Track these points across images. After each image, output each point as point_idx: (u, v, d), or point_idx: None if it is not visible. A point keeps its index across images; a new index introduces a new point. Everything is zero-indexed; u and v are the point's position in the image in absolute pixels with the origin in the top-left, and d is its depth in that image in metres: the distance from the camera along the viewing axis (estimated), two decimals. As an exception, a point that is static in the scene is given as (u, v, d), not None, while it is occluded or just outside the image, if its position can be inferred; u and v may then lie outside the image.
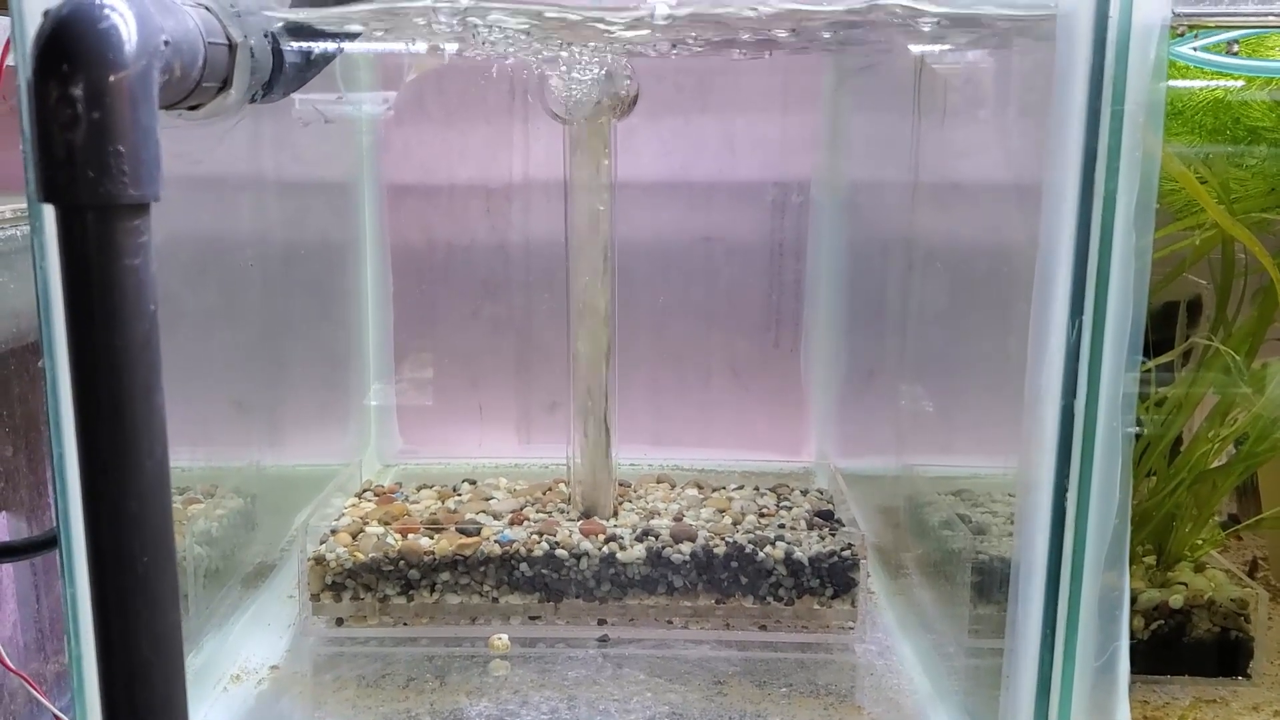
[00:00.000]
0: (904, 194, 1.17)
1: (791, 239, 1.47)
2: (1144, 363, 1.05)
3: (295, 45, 0.78)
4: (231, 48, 0.67)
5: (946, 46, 1.03)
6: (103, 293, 0.52)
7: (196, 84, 0.62)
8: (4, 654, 1.07)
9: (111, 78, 0.51)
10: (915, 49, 1.08)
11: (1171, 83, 1.02)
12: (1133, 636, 1.01)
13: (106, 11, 0.52)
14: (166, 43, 0.55)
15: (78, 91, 0.50)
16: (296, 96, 1.21)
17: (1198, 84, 1.02)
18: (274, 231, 1.20)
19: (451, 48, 1.07)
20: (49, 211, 0.51)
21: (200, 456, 1.08)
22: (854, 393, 1.41)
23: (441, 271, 1.49)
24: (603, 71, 1.08)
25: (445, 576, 1.06)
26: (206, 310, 1.05)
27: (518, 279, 1.48)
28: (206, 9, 0.64)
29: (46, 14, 0.51)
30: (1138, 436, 1.05)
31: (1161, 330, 1.17)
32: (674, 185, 1.47)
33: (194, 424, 1.04)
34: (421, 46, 1.12)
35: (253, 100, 0.73)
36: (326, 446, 1.39)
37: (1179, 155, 1.01)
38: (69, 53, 0.50)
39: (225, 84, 0.67)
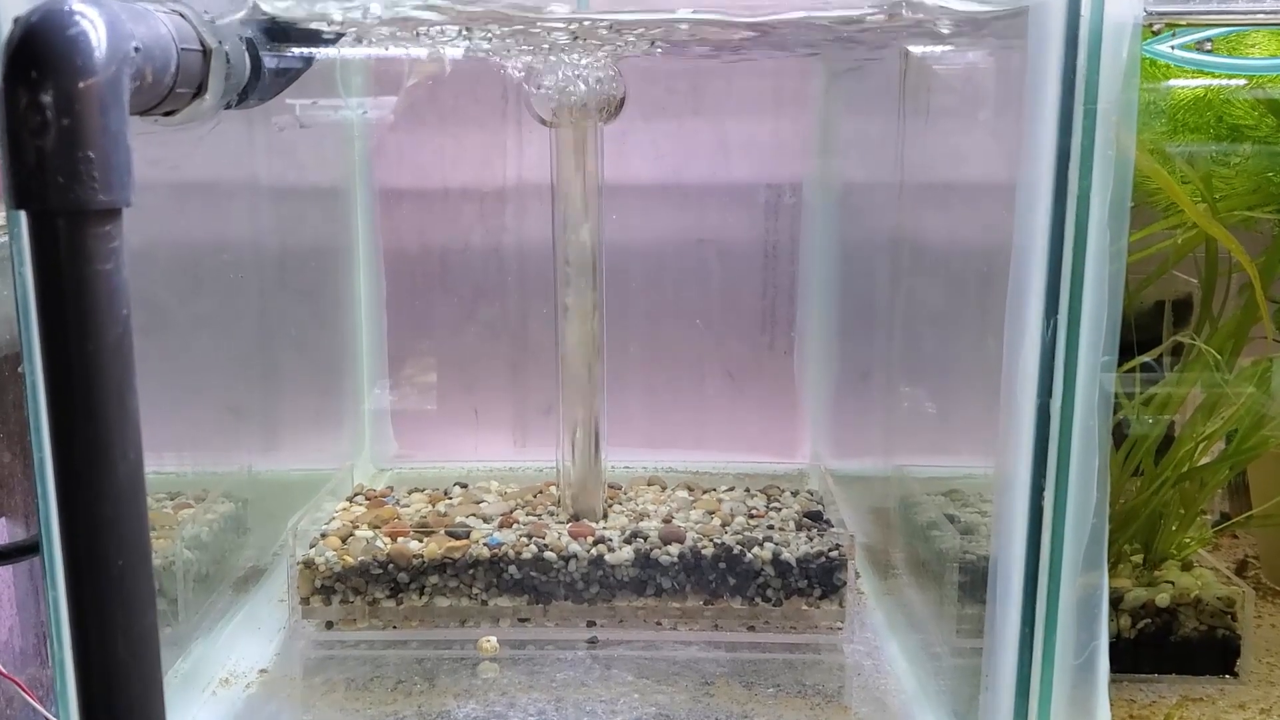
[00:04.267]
0: (892, 195, 1.17)
1: (785, 240, 1.48)
2: (1129, 359, 1.05)
3: (272, 50, 0.78)
4: (206, 53, 0.67)
5: (929, 47, 1.03)
6: (75, 298, 0.52)
7: (170, 90, 0.62)
8: (-3, 659, 1.07)
9: (80, 84, 0.51)
10: (910, 50, 1.08)
11: (1172, 82, 1.02)
12: (1119, 635, 1.01)
13: (76, 18, 0.52)
14: (137, 49, 0.56)
15: (47, 98, 0.51)
16: (296, 102, 1.22)
17: (1193, 83, 1.02)
18: (267, 237, 1.20)
19: (453, 52, 1.07)
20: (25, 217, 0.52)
21: (192, 461, 1.08)
22: (848, 394, 1.41)
23: (436, 276, 1.49)
24: (588, 74, 1.08)
25: (434, 579, 1.07)
26: (199, 315, 1.06)
27: (512, 282, 1.48)
28: (180, 15, 0.65)
29: (16, 21, 0.52)
30: (1125, 435, 1.05)
31: (1152, 329, 1.17)
32: (667, 187, 1.47)
33: (186, 429, 1.05)
34: (421, 51, 1.12)
35: (228, 106, 0.73)
36: (319, 451, 1.39)
37: (1169, 155, 1.01)
38: (38, 59, 0.51)
39: (200, 89, 0.68)
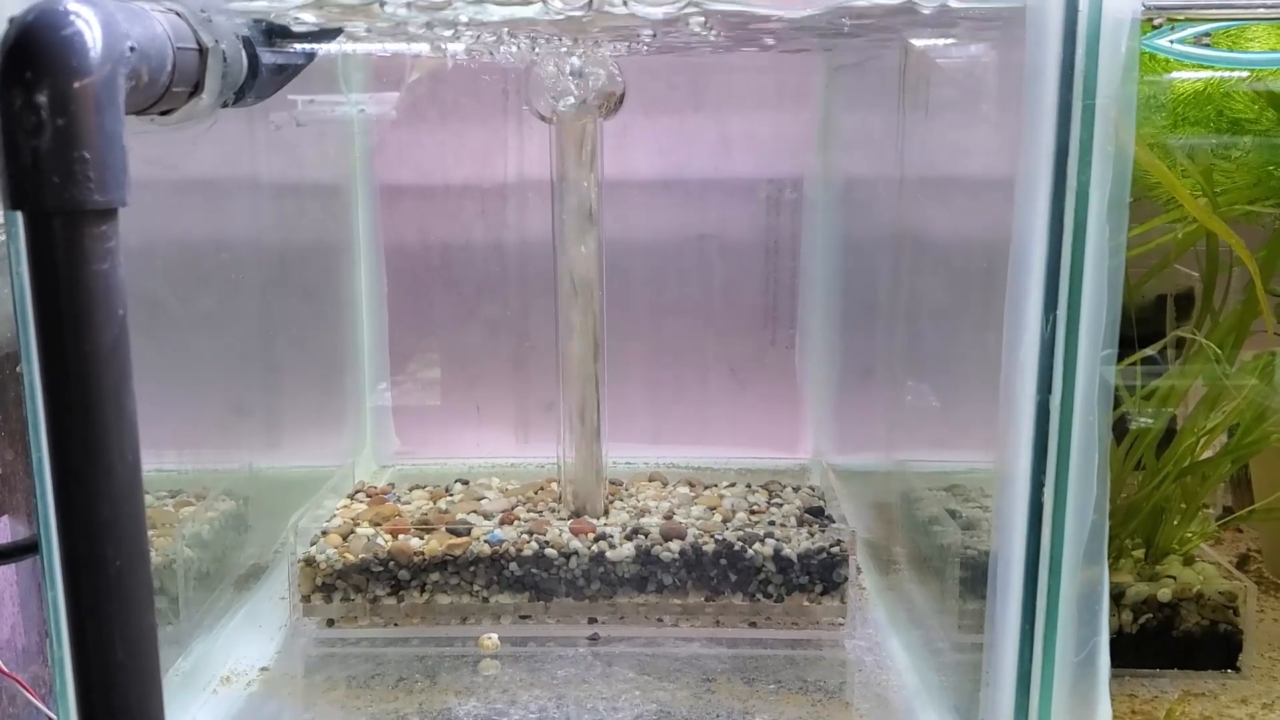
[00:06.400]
0: (893, 190, 1.17)
1: (787, 236, 1.47)
2: (1131, 353, 1.05)
3: (270, 48, 0.78)
4: (202, 52, 0.67)
5: (929, 41, 1.03)
6: (71, 298, 0.52)
7: (166, 89, 0.62)
8: (-2, 657, 1.07)
9: (76, 84, 0.51)
10: (911, 43, 1.08)
11: (1173, 75, 1.02)
12: (1121, 630, 1.01)
13: (71, 18, 0.52)
14: (132, 49, 0.56)
15: (42, 98, 0.50)
16: (296, 98, 1.22)
17: (1193, 76, 1.02)
18: (268, 234, 1.20)
19: (455, 48, 1.06)
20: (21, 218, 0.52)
21: (193, 459, 1.08)
22: (849, 389, 1.41)
23: (437, 272, 1.49)
24: (587, 69, 1.08)
25: (435, 577, 1.07)
26: (199, 313, 1.06)
27: (514, 279, 1.48)
28: (176, 14, 0.65)
29: (11, 21, 0.52)
30: (1127, 429, 1.05)
31: (1154, 323, 1.17)
32: (669, 183, 1.47)
33: (187, 426, 1.04)
34: (421, 47, 1.11)
35: (226, 104, 0.73)
36: (321, 448, 1.39)
37: (1171, 149, 1.01)
38: (33, 60, 0.51)
39: (197, 88, 0.68)
